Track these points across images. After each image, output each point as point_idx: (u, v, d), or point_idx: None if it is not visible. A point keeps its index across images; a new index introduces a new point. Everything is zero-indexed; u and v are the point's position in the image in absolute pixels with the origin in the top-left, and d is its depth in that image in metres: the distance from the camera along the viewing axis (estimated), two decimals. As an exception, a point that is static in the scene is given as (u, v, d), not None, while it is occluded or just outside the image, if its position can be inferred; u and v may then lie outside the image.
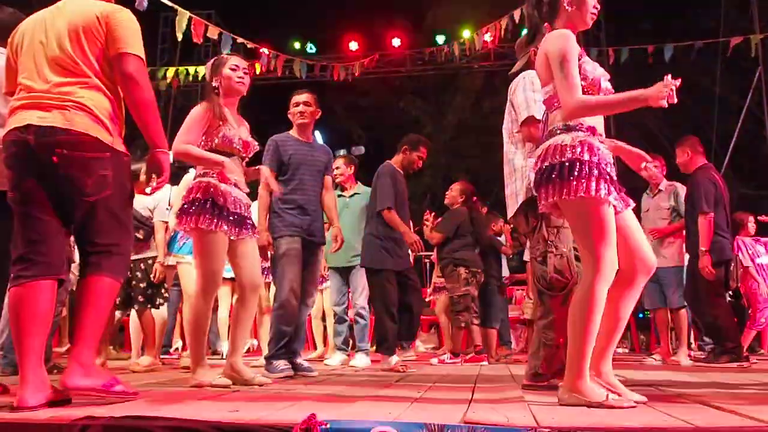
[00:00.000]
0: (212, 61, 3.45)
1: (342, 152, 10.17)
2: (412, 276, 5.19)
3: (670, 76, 2.23)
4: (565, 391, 2.28)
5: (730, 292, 5.66)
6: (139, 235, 4.67)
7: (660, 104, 2.22)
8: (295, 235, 4.00)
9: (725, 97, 12.01)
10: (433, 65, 12.49)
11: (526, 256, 6.20)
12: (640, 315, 5.67)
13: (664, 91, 2.21)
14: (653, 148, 5.66)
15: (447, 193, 6.04)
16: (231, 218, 3.13)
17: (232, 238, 3.17)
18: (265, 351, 4.23)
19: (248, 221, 3.25)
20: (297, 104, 4.21)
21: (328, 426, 1.65)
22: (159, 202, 4.82)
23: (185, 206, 3.11)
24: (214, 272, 3.14)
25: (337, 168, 5.69)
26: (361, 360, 5.09)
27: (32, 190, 2.25)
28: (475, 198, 6.04)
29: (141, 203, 4.66)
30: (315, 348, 6.85)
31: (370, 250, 4.84)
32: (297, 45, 12.80)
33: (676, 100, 2.22)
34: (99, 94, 2.33)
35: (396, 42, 12.41)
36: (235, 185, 3.23)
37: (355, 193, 5.62)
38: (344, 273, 5.50)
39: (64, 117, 2.24)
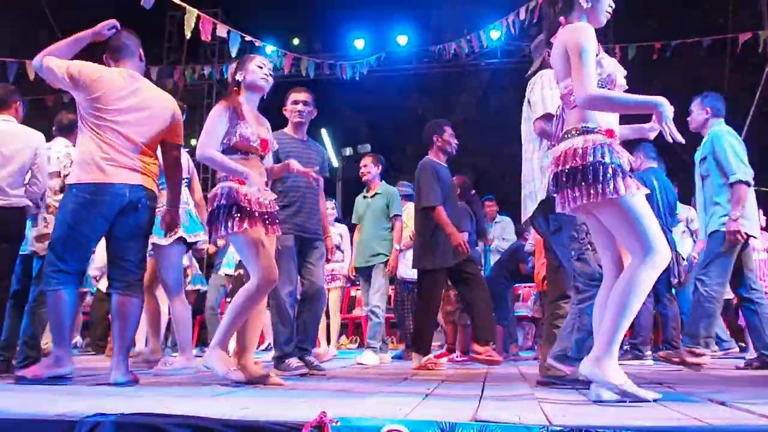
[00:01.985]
0: (237, 60, 3.49)
1: (356, 150, 10.06)
2: (469, 269, 4.71)
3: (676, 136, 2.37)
4: (589, 365, 2.29)
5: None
6: None
7: (664, 118, 2.32)
8: (289, 232, 3.94)
9: (733, 95, 11.93)
10: (439, 63, 12.45)
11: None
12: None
13: (670, 114, 2.32)
14: (659, 147, 5.63)
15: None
16: (258, 217, 3.13)
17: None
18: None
19: (272, 218, 3.24)
20: (297, 102, 4.16)
21: (339, 423, 1.64)
22: None
23: (214, 214, 3.11)
24: (269, 267, 3.13)
25: (364, 166, 5.67)
26: (369, 357, 5.09)
27: (101, 228, 3.14)
28: (473, 192, 5.98)
29: None
30: (318, 345, 6.86)
31: (415, 250, 4.71)
32: (303, 43, 12.79)
33: (677, 138, 2.37)
34: (155, 165, 3.31)
35: (402, 40, 12.38)
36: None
37: (376, 194, 5.59)
38: (365, 273, 5.50)
39: (145, 180, 3.20)
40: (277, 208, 3.33)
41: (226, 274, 6.02)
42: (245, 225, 3.05)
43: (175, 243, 4.14)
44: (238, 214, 3.06)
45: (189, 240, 4.24)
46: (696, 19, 12.82)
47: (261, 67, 3.35)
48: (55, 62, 3.16)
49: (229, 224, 3.05)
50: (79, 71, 3.14)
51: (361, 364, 5.00)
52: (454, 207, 4.77)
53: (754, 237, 4.30)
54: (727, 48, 10.44)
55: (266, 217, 3.19)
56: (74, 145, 3.65)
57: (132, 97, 3.20)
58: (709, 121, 4.43)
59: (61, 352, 3.10)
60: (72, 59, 3.22)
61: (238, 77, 3.34)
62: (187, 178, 4.42)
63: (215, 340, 3.17)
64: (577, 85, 2.33)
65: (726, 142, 4.24)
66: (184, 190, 4.45)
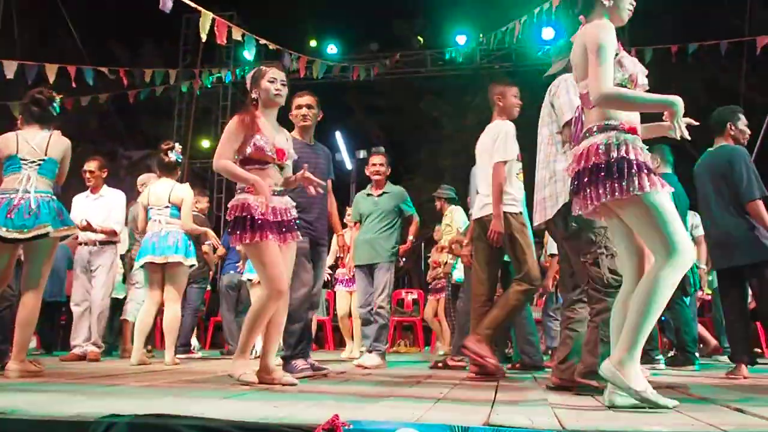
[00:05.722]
0: (252, 72, 3.47)
1: (369, 152, 10.12)
2: None
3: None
4: (611, 368, 2.25)
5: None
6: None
7: (676, 116, 2.30)
8: (304, 234, 3.99)
9: (750, 98, 11.79)
10: (453, 65, 12.43)
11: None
12: (662, 318, 5.59)
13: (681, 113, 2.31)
14: (673, 148, 5.54)
15: (469, 198, 5.94)
16: (274, 227, 3.21)
17: (279, 244, 3.26)
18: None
19: (291, 226, 3.31)
20: (299, 107, 4.24)
21: (351, 426, 1.64)
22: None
23: (232, 226, 3.24)
24: (275, 275, 3.20)
25: (380, 165, 5.61)
26: (372, 359, 5.01)
27: None
28: None
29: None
30: (345, 347, 6.95)
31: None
32: (316, 45, 12.83)
33: (686, 136, 2.35)
34: None
35: (416, 42, 12.40)
36: (272, 194, 3.26)
37: (384, 193, 5.59)
38: (369, 271, 5.47)
39: None
40: (295, 214, 3.39)
41: (248, 280, 6.13)
42: (256, 237, 3.15)
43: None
44: (250, 226, 3.15)
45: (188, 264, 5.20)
46: (714, 22, 12.70)
47: (273, 82, 3.38)
48: None
49: (244, 235, 3.16)
50: None
51: (361, 366, 4.91)
52: None
53: None
54: (744, 51, 10.33)
55: (283, 225, 3.26)
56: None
57: None
58: None
59: None
60: None
61: (254, 95, 3.39)
62: (175, 207, 5.17)
63: (237, 349, 3.29)
64: (592, 82, 2.30)
65: None
66: (174, 220, 5.14)
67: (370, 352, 5.20)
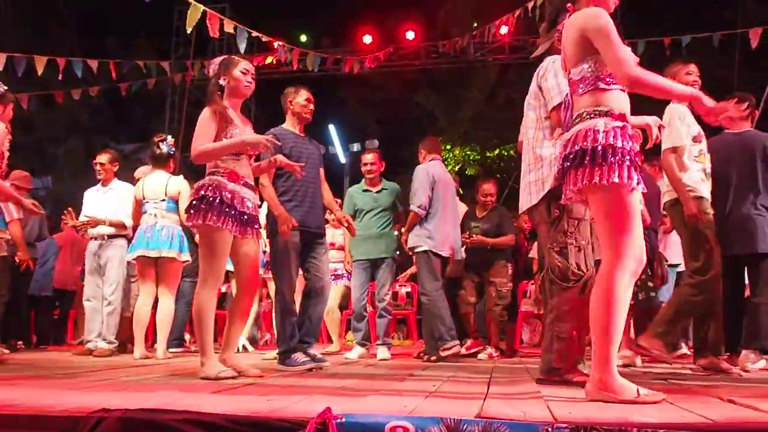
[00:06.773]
0: (221, 59, 3.47)
1: (363, 146, 10.06)
2: None
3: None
4: (593, 389, 2.23)
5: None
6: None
7: (708, 117, 2.33)
8: (294, 228, 3.99)
9: (743, 89, 11.80)
10: (447, 58, 12.39)
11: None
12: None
13: (717, 114, 2.32)
14: None
15: (488, 197, 5.86)
16: (237, 217, 3.21)
17: (236, 235, 3.25)
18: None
19: (254, 221, 3.33)
20: (310, 101, 4.25)
21: (344, 420, 1.64)
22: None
23: (195, 203, 3.20)
24: (218, 268, 3.23)
25: (372, 164, 5.60)
26: (384, 352, 5.20)
27: None
28: None
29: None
30: (331, 342, 6.91)
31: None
32: (311, 38, 12.78)
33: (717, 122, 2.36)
34: None
35: (410, 35, 12.34)
36: (245, 185, 3.30)
37: (383, 189, 5.60)
38: (370, 267, 5.49)
39: None
40: (258, 212, 3.40)
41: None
42: (219, 222, 3.15)
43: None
44: (218, 208, 3.15)
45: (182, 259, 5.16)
46: (706, 15, 12.71)
47: (245, 73, 3.39)
48: None
49: (208, 216, 3.14)
50: None
51: (384, 359, 5.05)
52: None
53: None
54: (737, 43, 10.35)
55: (242, 217, 3.24)
56: None
57: None
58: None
59: None
60: None
61: (222, 82, 3.37)
62: (171, 201, 5.15)
63: (200, 353, 3.23)
64: (615, 67, 2.27)
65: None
66: (170, 214, 5.11)
67: (361, 345, 5.42)
